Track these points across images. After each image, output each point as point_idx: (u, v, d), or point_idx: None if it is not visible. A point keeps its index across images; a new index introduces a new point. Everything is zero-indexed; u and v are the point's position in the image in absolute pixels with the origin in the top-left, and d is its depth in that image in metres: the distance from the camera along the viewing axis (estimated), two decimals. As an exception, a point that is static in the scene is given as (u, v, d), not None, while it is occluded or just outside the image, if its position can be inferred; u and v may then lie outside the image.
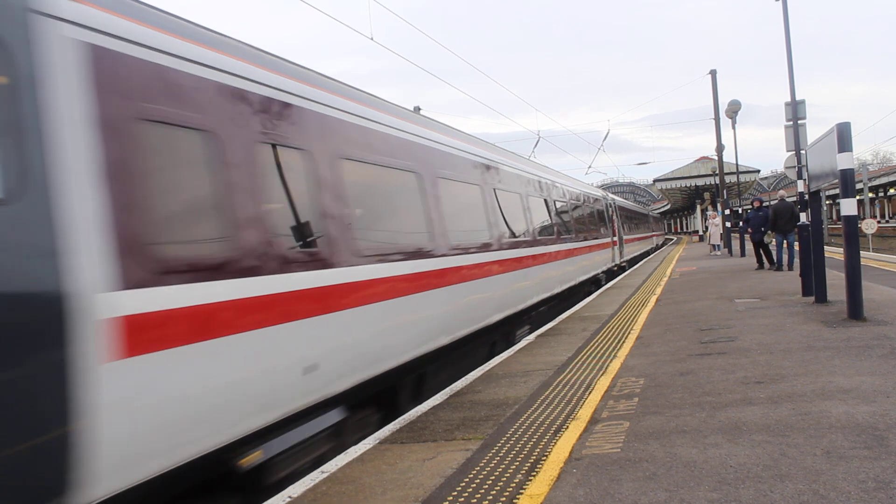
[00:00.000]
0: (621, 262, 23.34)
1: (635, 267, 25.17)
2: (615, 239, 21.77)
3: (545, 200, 12.59)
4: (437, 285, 6.70)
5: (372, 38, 12.92)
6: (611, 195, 24.91)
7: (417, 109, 20.67)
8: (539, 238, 11.28)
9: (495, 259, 8.68)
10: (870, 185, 55.06)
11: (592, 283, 17.37)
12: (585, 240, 15.99)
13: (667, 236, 77.15)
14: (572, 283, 14.02)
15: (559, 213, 13.66)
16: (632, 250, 28.69)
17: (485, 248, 8.34)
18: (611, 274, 20.69)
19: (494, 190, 9.32)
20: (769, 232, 17.10)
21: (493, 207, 9.09)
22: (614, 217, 22.70)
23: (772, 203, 16.78)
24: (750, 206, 19.06)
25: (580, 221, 16.15)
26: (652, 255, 35.18)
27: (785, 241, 16.23)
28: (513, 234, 9.79)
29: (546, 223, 12.32)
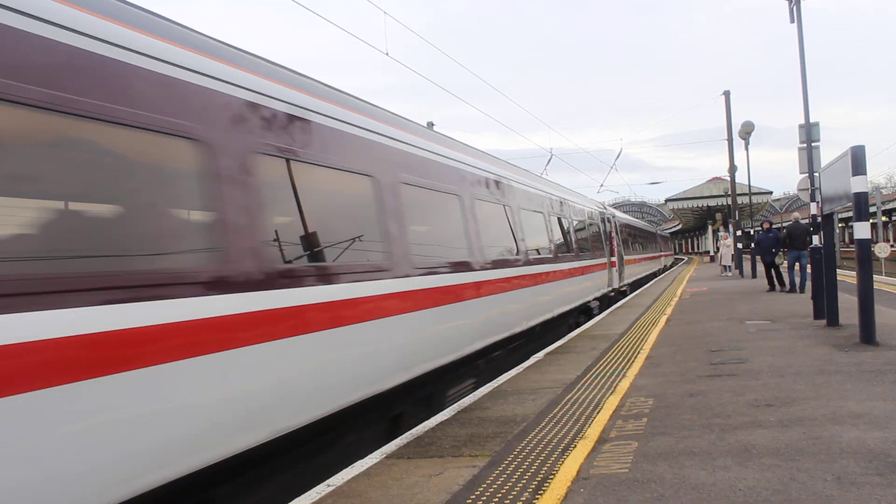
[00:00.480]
0: (621, 286, 20.65)
1: (639, 291, 23.19)
2: (613, 259, 19.00)
3: (504, 208, 9.46)
4: (248, 341, 4.00)
5: (387, 54, 13.02)
6: (611, 209, 22.60)
7: (431, 125, 20.78)
8: (490, 259, 8.22)
9: (394, 291, 5.70)
10: (883, 208, 54.71)
11: (581, 313, 14.56)
12: (572, 260, 13.06)
13: (677, 257, 76.50)
14: (546, 316, 10.92)
15: (527, 225, 10.45)
16: (635, 272, 25.75)
17: (372, 273, 5.42)
18: (608, 300, 18.03)
19: (400, 185, 6.24)
20: (780, 253, 17.05)
21: (396, 210, 6.06)
22: (613, 234, 19.99)
23: (784, 225, 16.81)
24: (759, 228, 18.97)
25: (564, 238, 13.06)
26: (661, 277, 33.67)
27: (797, 264, 16.19)
28: (439, 252, 6.94)
29: (503, 239, 9.19)
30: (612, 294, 18.66)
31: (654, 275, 35.09)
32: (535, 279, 10.21)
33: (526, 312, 9.66)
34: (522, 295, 9.48)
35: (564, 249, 12.77)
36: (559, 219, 13.03)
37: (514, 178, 10.46)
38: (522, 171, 11.85)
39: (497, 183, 9.46)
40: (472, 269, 7.58)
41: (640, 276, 27.77)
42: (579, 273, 13.70)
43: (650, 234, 38.34)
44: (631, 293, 22.12)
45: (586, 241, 15.60)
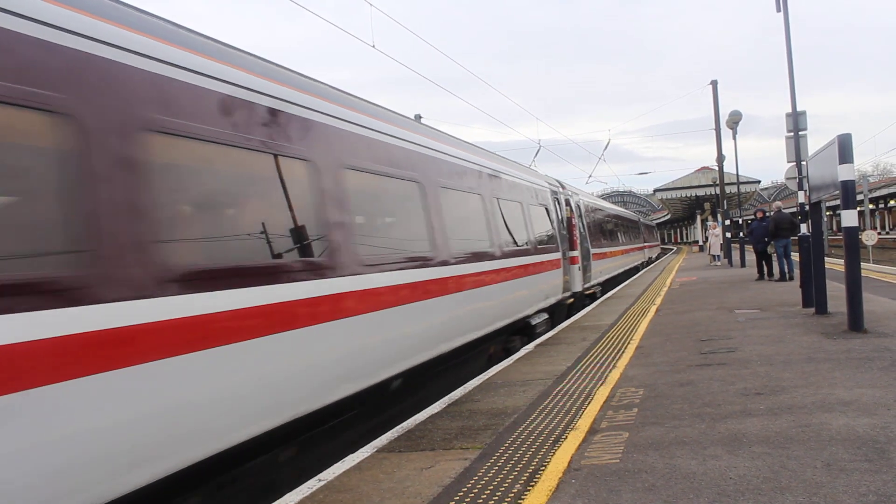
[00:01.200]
0: (587, 289, 16.12)
1: (627, 282, 21.32)
2: (574, 254, 14.58)
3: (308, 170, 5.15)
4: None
5: (373, 46, 12.95)
6: (572, 189, 17.10)
7: (418, 118, 20.69)
8: (323, 261, 4.91)
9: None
10: (870, 196, 55.20)
11: (517, 333, 10.30)
12: (483, 259, 8.43)
13: (664, 247, 76.03)
14: (418, 358, 6.38)
15: (375, 204, 6.33)
16: (608, 268, 20.59)
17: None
18: (567, 309, 14.00)
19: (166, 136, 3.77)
20: (771, 243, 17.23)
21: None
22: (575, 221, 15.43)
23: (771, 214, 16.95)
24: (752, 217, 19.08)
25: (467, 226, 8.34)
26: (644, 271, 30.20)
27: (783, 250, 16.37)
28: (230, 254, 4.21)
29: (356, 230, 5.52)
30: (572, 301, 14.35)
31: (635, 269, 30.53)
32: (393, 296, 5.92)
33: (366, 360, 5.45)
34: (356, 328, 5.30)
35: (465, 244, 7.99)
36: (463, 194, 8.48)
37: (344, 118, 5.77)
38: (422, 128, 7.92)
39: (341, 137, 5.59)
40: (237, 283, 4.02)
41: (616, 273, 22.95)
42: (500, 278, 9.04)
43: (630, 221, 32.47)
44: (602, 295, 17.87)
45: (522, 229, 10.83)
